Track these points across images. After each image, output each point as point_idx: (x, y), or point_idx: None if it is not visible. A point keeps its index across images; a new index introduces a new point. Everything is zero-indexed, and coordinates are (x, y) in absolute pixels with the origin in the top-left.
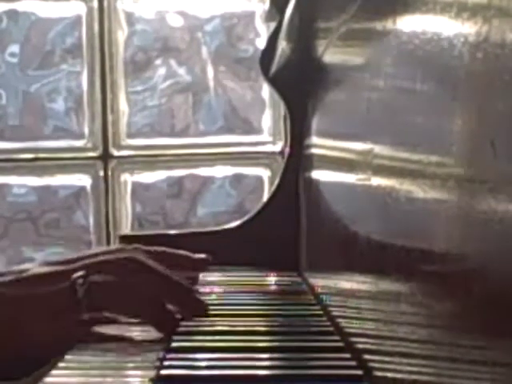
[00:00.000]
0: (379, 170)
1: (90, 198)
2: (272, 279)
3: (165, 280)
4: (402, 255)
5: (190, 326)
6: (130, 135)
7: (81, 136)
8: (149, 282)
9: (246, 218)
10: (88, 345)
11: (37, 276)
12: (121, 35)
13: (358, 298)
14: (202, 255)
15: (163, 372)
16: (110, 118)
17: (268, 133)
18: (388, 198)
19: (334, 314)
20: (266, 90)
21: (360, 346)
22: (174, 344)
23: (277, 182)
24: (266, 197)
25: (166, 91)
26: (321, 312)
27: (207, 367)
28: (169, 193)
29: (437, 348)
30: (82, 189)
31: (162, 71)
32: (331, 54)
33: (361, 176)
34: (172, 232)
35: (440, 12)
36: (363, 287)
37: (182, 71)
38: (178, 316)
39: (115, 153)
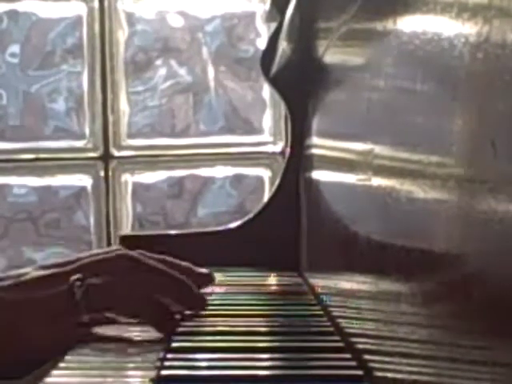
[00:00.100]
0: (379, 170)
1: (90, 199)
2: (272, 279)
3: (163, 276)
4: (401, 255)
5: (191, 326)
6: (130, 135)
7: (81, 136)
8: (147, 280)
9: (246, 218)
10: (88, 345)
11: (34, 280)
12: (121, 35)
13: (359, 298)
14: (205, 270)
15: (163, 372)
16: (110, 118)
17: (268, 133)
18: (388, 198)
19: (335, 314)
20: (266, 91)
21: (360, 346)
22: (175, 344)
23: (277, 182)
24: (266, 197)
25: (166, 91)
26: (321, 312)
27: (207, 367)
28: (169, 193)
29: (437, 348)
30: (83, 189)
31: (162, 71)
32: (332, 55)
33: (361, 176)
34: (172, 232)
35: (440, 12)
36: (363, 287)
37: (182, 71)
38: (178, 316)
39: (116, 153)
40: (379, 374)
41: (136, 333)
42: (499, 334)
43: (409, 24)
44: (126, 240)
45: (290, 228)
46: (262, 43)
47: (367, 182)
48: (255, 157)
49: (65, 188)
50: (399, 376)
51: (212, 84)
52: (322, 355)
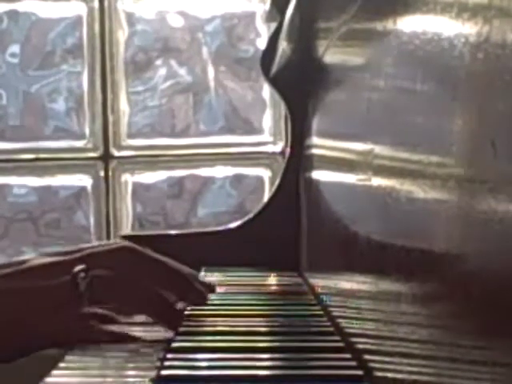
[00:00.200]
0: (379, 171)
1: (90, 199)
2: (272, 279)
3: (166, 269)
4: (401, 255)
5: (191, 326)
6: (130, 135)
7: (81, 136)
8: (150, 274)
9: (246, 218)
10: (88, 344)
11: (36, 268)
12: (121, 35)
13: (359, 298)
14: (207, 282)
15: (164, 372)
16: (110, 118)
17: (268, 133)
18: (388, 198)
19: (335, 314)
20: (266, 91)
21: (360, 346)
22: (175, 344)
23: (277, 182)
24: (266, 197)
25: (166, 91)
26: (321, 312)
27: (208, 367)
28: (169, 193)
29: (437, 348)
30: (83, 189)
31: (162, 71)
32: (332, 55)
33: (361, 176)
34: (172, 232)
35: (440, 12)
36: (363, 287)
37: (182, 71)
38: (182, 310)
39: (116, 153)
40: (379, 373)
41: (137, 332)
42: (499, 334)
43: (409, 24)
44: (126, 240)
45: (290, 228)
46: (261, 43)
47: (367, 182)
48: (255, 157)
49: (65, 188)
50: (399, 376)
51: (212, 84)
52: (321, 355)
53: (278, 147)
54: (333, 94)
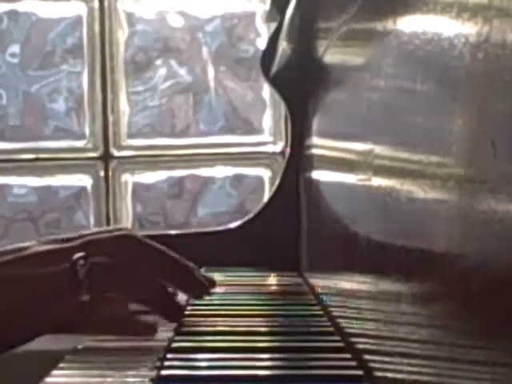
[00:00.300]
0: (380, 171)
1: (90, 199)
2: (272, 279)
3: (167, 259)
4: (401, 255)
5: (191, 326)
6: (130, 135)
7: (81, 136)
8: (151, 263)
9: (246, 218)
10: (88, 332)
11: (36, 255)
12: (121, 35)
13: (359, 298)
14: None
15: (164, 372)
16: (110, 118)
17: (269, 133)
18: (388, 199)
19: (335, 314)
20: (266, 91)
21: (360, 346)
22: (175, 344)
23: (277, 182)
24: (266, 197)
25: (166, 91)
26: (321, 312)
27: (208, 367)
28: (169, 193)
29: (437, 348)
30: (83, 189)
31: (162, 71)
32: (332, 55)
33: (361, 176)
34: (172, 232)
35: (440, 12)
36: (363, 287)
37: (182, 71)
38: (182, 303)
39: (116, 153)
40: (379, 373)
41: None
42: (499, 334)
43: (409, 24)
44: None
45: (290, 228)
46: (261, 43)
47: (367, 182)
48: (255, 157)
49: (65, 188)
50: (399, 376)
51: (212, 84)
52: (322, 355)
53: (278, 147)
54: (333, 94)
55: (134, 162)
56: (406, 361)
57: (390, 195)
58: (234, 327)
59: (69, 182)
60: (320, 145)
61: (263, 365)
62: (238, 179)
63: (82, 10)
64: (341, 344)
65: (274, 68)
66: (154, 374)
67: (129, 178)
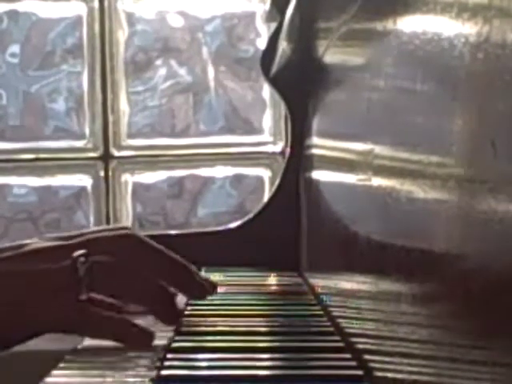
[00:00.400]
0: (380, 171)
1: (90, 199)
2: (272, 279)
3: (168, 260)
4: (401, 255)
5: (191, 326)
6: (130, 135)
7: (81, 136)
8: (152, 263)
9: (246, 218)
10: (87, 331)
11: (36, 251)
12: (121, 35)
13: (359, 298)
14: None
15: (164, 372)
16: (110, 118)
17: (269, 133)
18: (388, 199)
19: (335, 314)
20: (266, 91)
21: (360, 346)
22: (175, 344)
23: (277, 182)
24: (266, 197)
25: (166, 91)
26: (321, 312)
27: (208, 367)
28: (169, 193)
29: (437, 348)
30: (83, 189)
31: (162, 71)
32: (332, 55)
33: (361, 176)
34: (172, 232)
35: (440, 12)
36: (363, 287)
37: (182, 71)
38: (181, 307)
39: (116, 153)
40: (379, 373)
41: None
42: (499, 334)
43: (409, 24)
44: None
45: (290, 228)
46: (262, 43)
47: (367, 182)
48: (255, 157)
49: (65, 188)
50: (399, 376)
51: (212, 84)
52: (322, 355)
53: (278, 147)
54: (333, 93)
55: (134, 161)
56: (405, 361)
57: (390, 195)
58: (234, 327)
59: (69, 182)
60: (320, 145)
61: (263, 365)
62: (238, 179)
63: (82, 9)
64: (341, 344)
65: (274, 68)
66: (153, 374)
67: (129, 178)
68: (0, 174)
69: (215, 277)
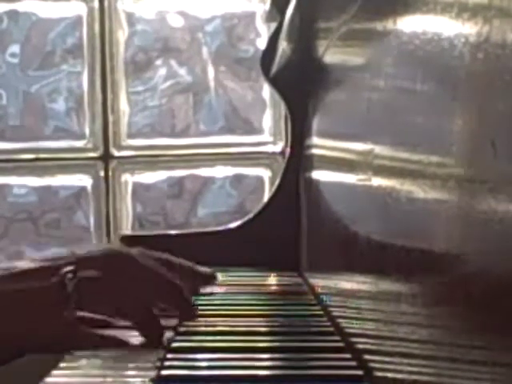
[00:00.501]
0: (380, 171)
1: (90, 199)
2: (272, 279)
3: (156, 278)
4: (401, 255)
5: (191, 326)
6: (130, 135)
7: (81, 136)
8: (140, 281)
9: (246, 218)
10: (77, 350)
11: (25, 271)
12: (121, 35)
13: (359, 298)
14: (208, 270)
15: (164, 372)
16: (110, 118)
17: (269, 133)
18: (388, 199)
19: (335, 314)
20: (266, 91)
21: (360, 346)
22: (175, 344)
23: (277, 182)
24: (266, 197)
25: (166, 91)
26: (321, 312)
27: (208, 367)
28: (169, 193)
29: (437, 348)
30: (83, 189)
31: (162, 71)
32: (332, 55)
33: (361, 176)
34: (172, 232)
35: (441, 12)
36: (363, 287)
37: (182, 71)
38: (166, 325)
39: (116, 153)
40: (379, 373)
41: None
42: (499, 334)
43: (409, 24)
44: (126, 240)
45: (290, 228)
46: (262, 43)
47: (367, 182)
48: (255, 157)
49: (65, 188)
50: (399, 376)
51: (212, 84)
52: (322, 355)
53: (278, 147)
54: (333, 93)
55: (134, 161)
56: (405, 361)
57: (390, 195)
58: (234, 327)
59: (69, 182)
60: (320, 145)
61: (263, 365)
62: (238, 179)
63: (82, 9)
64: (341, 344)
65: (274, 68)
66: (154, 374)
67: (129, 178)
68: (0, 174)
69: None
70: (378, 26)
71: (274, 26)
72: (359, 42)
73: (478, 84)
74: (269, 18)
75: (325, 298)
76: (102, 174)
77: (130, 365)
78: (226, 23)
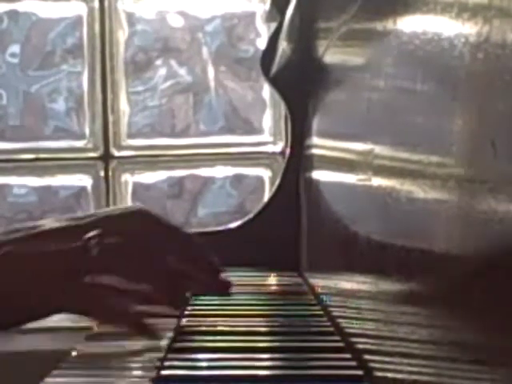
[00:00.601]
0: (380, 171)
1: (90, 199)
2: (272, 279)
3: (180, 238)
4: (402, 255)
5: (191, 326)
6: (130, 135)
7: (81, 136)
8: (163, 242)
9: (246, 218)
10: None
11: (48, 232)
12: (121, 35)
13: (359, 298)
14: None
15: (164, 372)
16: (110, 118)
17: (269, 133)
18: (388, 199)
19: (335, 314)
20: (266, 91)
21: (360, 346)
22: (175, 344)
23: (277, 182)
24: (266, 197)
25: (166, 91)
26: (321, 312)
27: (208, 367)
28: (169, 193)
29: (437, 348)
30: (83, 189)
31: (162, 71)
32: (332, 55)
33: (361, 176)
34: None
35: (441, 12)
36: (363, 287)
37: (182, 71)
38: (188, 296)
39: (116, 153)
40: (379, 373)
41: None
42: (499, 334)
43: (409, 24)
44: None
45: (290, 228)
46: (262, 43)
47: (367, 182)
48: (255, 157)
49: (65, 188)
50: (399, 376)
51: (212, 84)
52: (322, 355)
53: (278, 147)
54: (333, 93)
55: (134, 161)
56: (405, 361)
57: (390, 195)
58: (234, 327)
59: (69, 182)
60: (320, 145)
61: (263, 365)
62: (238, 179)
63: (82, 9)
64: (341, 344)
65: (274, 68)
66: (153, 374)
67: (129, 178)
68: (0, 174)
69: None
70: (378, 26)
71: (273, 25)
72: (359, 42)
73: (478, 84)
74: (269, 17)
75: (325, 298)
76: (102, 174)
77: (131, 365)
78: (226, 23)
